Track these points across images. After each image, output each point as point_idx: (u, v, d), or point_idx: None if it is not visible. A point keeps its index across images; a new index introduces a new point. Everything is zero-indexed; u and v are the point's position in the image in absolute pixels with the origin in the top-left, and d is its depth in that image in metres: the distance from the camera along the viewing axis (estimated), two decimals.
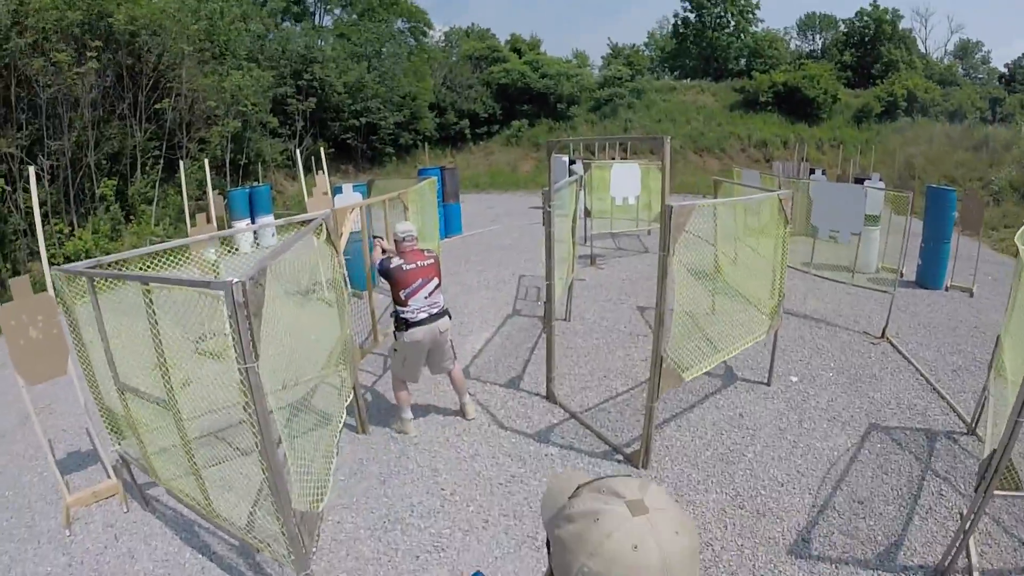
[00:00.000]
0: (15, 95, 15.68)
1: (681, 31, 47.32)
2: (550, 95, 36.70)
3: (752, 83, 39.68)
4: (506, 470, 5.59)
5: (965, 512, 4.36)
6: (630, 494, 1.06)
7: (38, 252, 15.41)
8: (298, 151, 19.96)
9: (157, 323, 3.71)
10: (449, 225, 16.87)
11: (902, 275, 11.00)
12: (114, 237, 17.19)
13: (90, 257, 15.43)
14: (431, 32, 41.61)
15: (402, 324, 5.74)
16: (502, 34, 45.83)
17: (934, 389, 7.05)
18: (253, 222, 15.78)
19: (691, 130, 36.15)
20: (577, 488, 1.14)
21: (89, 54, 16.47)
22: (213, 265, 5.34)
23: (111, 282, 4.23)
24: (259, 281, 3.23)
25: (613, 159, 23.42)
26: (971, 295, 10.97)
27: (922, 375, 7.44)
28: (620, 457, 5.68)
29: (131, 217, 18.63)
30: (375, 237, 6.73)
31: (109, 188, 17.58)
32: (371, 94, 30.66)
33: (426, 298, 5.77)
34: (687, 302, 5.41)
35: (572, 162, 20.07)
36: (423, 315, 5.75)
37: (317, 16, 38.04)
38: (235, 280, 3.09)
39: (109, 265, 4.71)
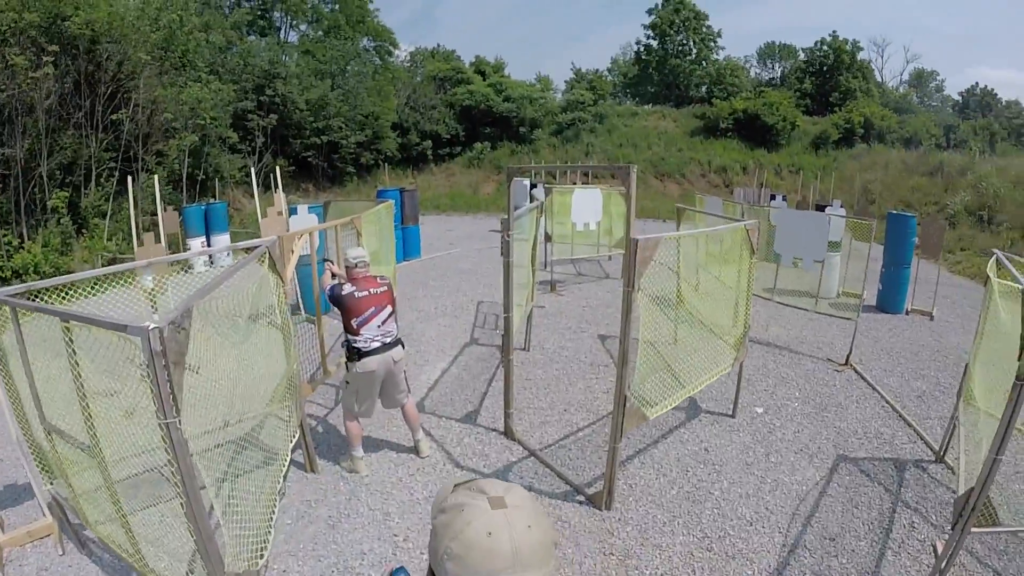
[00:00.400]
0: None
1: (644, 57, 47.88)
2: (513, 118, 36.67)
3: (713, 110, 40.22)
4: None
5: (939, 546, 4.26)
6: (493, 492, 1.21)
7: None
8: (254, 169, 19.54)
9: (78, 363, 3.34)
10: (408, 248, 16.56)
11: (863, 300, 11.12)
12: (64, 251, 16.62)
13: (38, 271, 15.21)
14: (396, 52, 41.46)
15: (354, 354, 5.45)
16: (467, 56, 45.79)
17: (900, 416, 7.03)
18: (208, 240, 15.30)
19: (652, 155, 36.42)
20: (455, 487, 1.27)
21: (45, 58, 15.90)
22: (151, 294, 4.94)
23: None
24: (181, 325, 2.88)
25: (575, 184, 23.35)
26: (931, 318, 11.17)
27: (887, 402, 7.42)
28: (581, 498, 5.40)
29: (83, 231, 18.06)
30: (325, 260, 6.32)
31: (61, 200, 17.01)
32: (334, 112, 30.32)
33: (379, 327, 5.51)
34: (651, 334, 5.17)
35: (533, 186, 19.93)
36: (376, 344, 5.47)
37: (283, 31, 37.63)
38: (152, 326, 2.74)
39: (36, 293, 4.30)
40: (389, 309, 5.60)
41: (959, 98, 50.45)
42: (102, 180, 18.58)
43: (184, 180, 21.76)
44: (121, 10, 18.23)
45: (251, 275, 4.51)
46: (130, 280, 4.77)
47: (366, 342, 5.44)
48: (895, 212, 12.90)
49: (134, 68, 18.97)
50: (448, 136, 35.91)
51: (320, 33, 36.88)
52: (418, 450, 6.09)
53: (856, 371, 8.49)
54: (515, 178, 20.34)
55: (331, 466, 5.98)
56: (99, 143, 18.70)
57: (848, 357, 8.74)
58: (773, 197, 18.62)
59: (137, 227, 13.37)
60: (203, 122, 21.80)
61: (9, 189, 16.42)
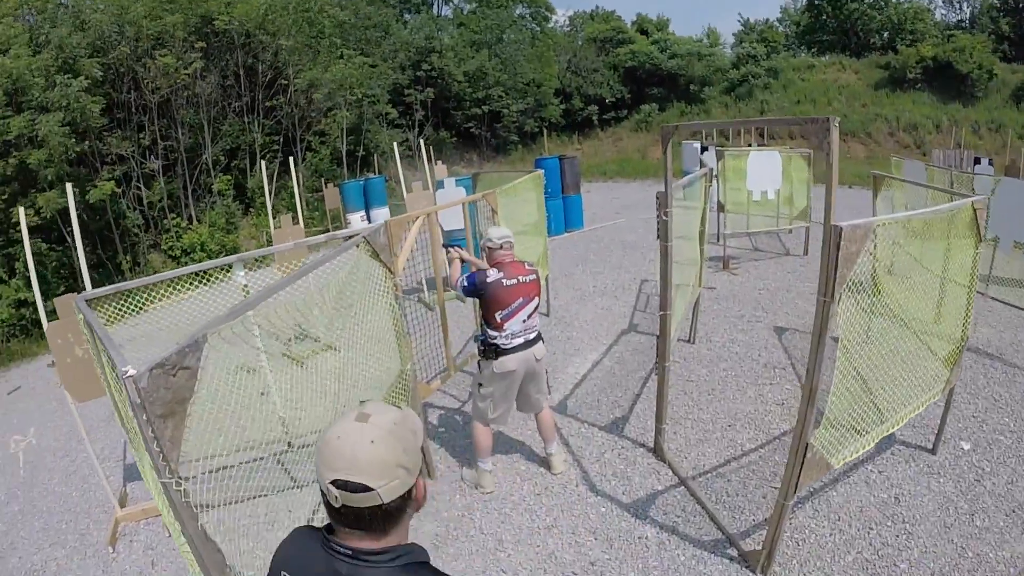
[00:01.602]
0: (133, 99, 16.33)
1: (816, 3, 43.96)
2: (680, 77, 34.92)
3: (898, 58, 36.01)
4: (586, 554, 4.48)
5: None
6: (368, 409, 1.46)
7: (157, 244, 16.09)
8: (421, 140, 19.56)
9: None
10: (569, 219, 15.86)
11: None
12: (230, 230, 17.51)
13: (205, 249, 16.11)
14: (553, 17, 40.39)
15: (491, 351, 4.77)
16: (628, 15, 44.05)
17: None
18: (368, 214, 15.37)
19: (833, 111, 33.26)
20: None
21: (193, 55, 16.89)
22: (244, 289, 4.49)
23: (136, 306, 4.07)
24: (178, 366, 2.27)
25: (749, 145, 21.66)
26: None
27: None
28: (734, 552, 4.41)
29: (250, 210, 19.08)
30: (447, 246, 5.25)
31: (224, 183, 18.12)
32: (493, 82, 30.08)
33: (524, 321, 4.80)
34: (854, 361, 3.93)
35: (704, 149, 18.60)
36: (519, 341, 4.79)
37: (436, 6, 37.54)
38: (128, 371, 2.17)
39: (128, 294, 4.08)
40: (536, 301, 4.92)
41: None
42: (266, 162, 19.36)
43: (344, 157, 22.17)
44: (261, 3, 18.95)
45: (349, 266, 4.06)
46: (222, 276, 4.38)
47: (508, 338, 4.76)
48: None
49: (288, 56, 19.81)
50: (613, 99, 34.72)
51: (474, 4, 36.41)
52: (550, 465, 5.38)
53: None
54: (684, 141, 18.91)
55: (450, 474, 5.45)
56: (261, 128, 19.76)
57: None
58: (977, 161, 16.17)
59: (301, 203, 13.64)
60: (355, 99, 21.98)
61: (177, 176, 17.49)
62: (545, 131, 31.08)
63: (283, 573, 1.52)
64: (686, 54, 35.19)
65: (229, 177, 18.54)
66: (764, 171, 11.67)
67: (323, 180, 19.16)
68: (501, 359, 4.76)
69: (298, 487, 4.73)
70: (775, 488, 4.92)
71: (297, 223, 9.45)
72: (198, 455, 2.67)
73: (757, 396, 6.68)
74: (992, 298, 8.65)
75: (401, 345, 4.66)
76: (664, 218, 4.93)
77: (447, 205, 7.21)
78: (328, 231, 17.18)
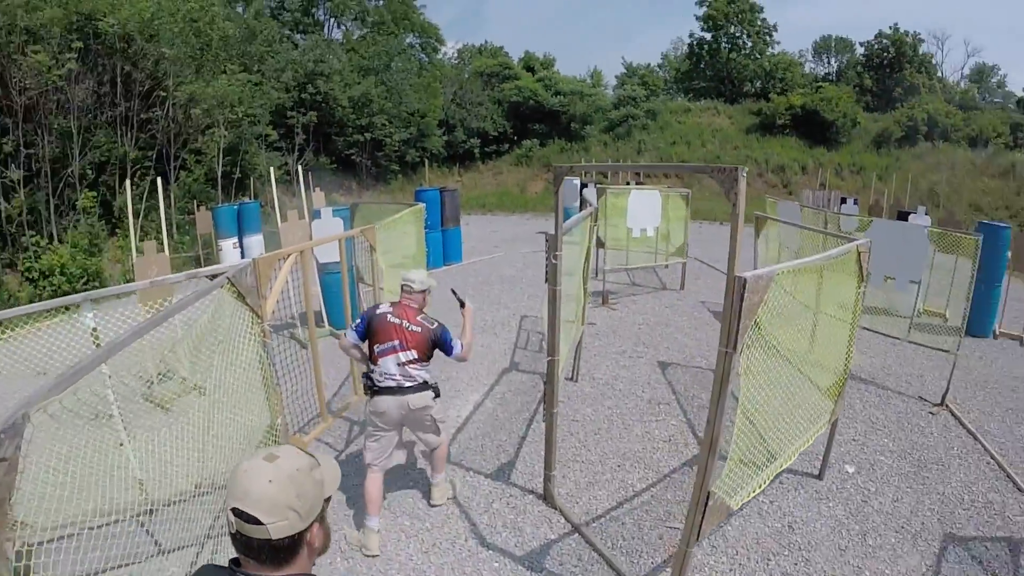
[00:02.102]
0: None
1: (696, 51, 46.19)
2: (563, 114, 35.70)
3: (769, 105, 38.69)
4: None
5: None
6: (280, 452, 1.59)
7: (13, 264, 14.63)
8: (300, 166, 18.89)
9: None
10: (448, 252, 15.59)
11: (946, 319, 10.25)
12: (93, 252, 16.24)
13: (65, 272, 14.82)
14: (443, 49, 40.60)
15: (367, 387, 4.68)
16: (515, 53, 44.71)
17: (1009, 477, 5.85)
18: (240, 241, 14.57)
19: (706, 153, 35.16)
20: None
21: (68, 55, 15.61)
22: (93, 333, 3.95)
23: None
24: None
25: (628, 184, 22.19)
26: (1021, 343, 10.01)
27: (992, 457, 6.24)
28: None
29: (116, 231, 17.78)
30: (461, 301, 5.33)
31: (90, 200, 16.74)
32: (377, 109, 29.71)
33: (398, 365, 4.61)
34: (754, 406, 3.88)
35: (584, 186, 18.84)
36: (391, 383, 4.60)
37: (327, 29, 36.95)
38: None
39: None
40: (413, 355, 4.65)
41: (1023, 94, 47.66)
42: (136, 179, 18.11)
43: (219, 179, 21.18)
44: (148, 7, 17.85)
45: (216, 311, 3.59)
46: (69, 316, 3.83)
47: (381, 376, 4.62)
48: (987, 222, 11.77)
49: (170, 66, 18.69)
50: (496, 133, 35.10)
51: (365, 30, 36.12)
52: (430, 496, 5.19)
53: (953, 413, 7.30)
54: (565, 177, 19.45)
55: (334, 530, 4.96)
56: (134, 142, 18.47)
57: (944, 397, 7.53)
58: (843, 200, 17.13)
59: (169, 228, 12.79)
60: (235, 117, 21.13)
61: (39, 189, 16.14)
62: (427, 162, 30.91)
63: None
64: (569, 92, 36.03)
65: (95, 193, 17.16)
66: (644, 209, 11.92)
67: (195, 202, 18.15)
68: (374, 397, 4.64)
69: (164, 554, 4.15)
70: (671, 528, 4.89)
71: (162, 251, 8.66)
72: (42, 526, 2.26)
73: (644, 433, 6.62)
74: (863, 327, 9.02)
75: (270, 397, 4.19)
76: (554, 261, 4.71)
77: (324, 240, 6.75)
78: (199, 257, 16.31)
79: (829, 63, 52.19)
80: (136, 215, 17.52)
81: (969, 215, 25.01)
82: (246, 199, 19.72)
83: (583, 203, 18.46)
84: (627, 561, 4.62)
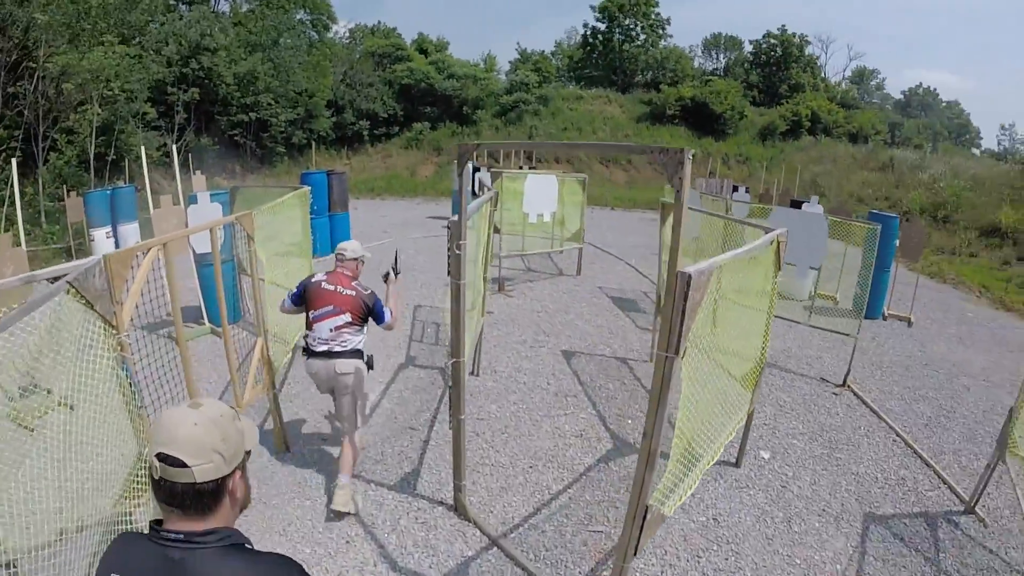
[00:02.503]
0: None
1: (591, 40, 46.49)
2: (454, 98, 35.11)
3: (659, 96, 39.58)
4: None
5: None
6: (203, 401, 1.60)
7: None
8: (175, 147, 17.55)
9: None
10: (336, 238, 14.73)
11: (837, 302, 11.08)
12: None
13: None
14: (334, 27, 39.06)
15: (304, 350, 5.01)
16: (409, 34, 43.76)
17: (916, 454, 6.05)
18: (115, 230, 13.39)
19: (597, 140, 35.46)
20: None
21: None
22: None
23: None
24: None
25: (520, 168, 21.89)
26: (909, 324, 10.63)
27: (898, 435, 6.47)
28: None
29: None
30: (388, 273, 5.50)
31: None
32: (263, 87, 28.26)
33: (331, 331, 4.87)
34: (691, 415, 3.55)
35: (476, 169, 18.40)
36: (323, 348, 4.87)
37: (213, 0, 34.86)
38: None
39: None
40: (347, 318, 4.88)
41: (901, 96, 50.95)
42: None
43: (91, 160, 19.47)
44: None
45: (52, 326, 2.84)
46: None
47: (314, 341, 4.91)
48: (877, 212, 12.42)
49: (41, 33, 16.96)
50: (386, 115, 34.11)
51: (254, 4, 34.16)
52: (332, 497, 4.81)
53: (855, 393, 7.52)
54: (456, 162, 18.85)
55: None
56: None
57: (845, 378, 7.74)
58: (735, 189, 17.34)
59: (36, 215, 11.49)
60: (111, 93, 19.51)
61: None
62: (314, 144, 29.74)
63: (113, 575, 1.52)
64: (462, 76, 35.49)
65: None
66: (541, 194, 11.59)
67: (66, 187, 16.56)
68: (308, 359, 4.95)
69: None
70: (594, 532, 4.59)
71: (19, 244, 7.51)
72: None
73: (554, 430, 6.26)
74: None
75: (134, 422, 3.36)
76: (457, 252, 4.19)
77: (195, 230, 5.86)
78: (70, 249, 14.93)
79: (718, 59, 53.80)
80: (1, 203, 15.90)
81: (851, 205, 26.20)
82: (121, 183, 18.19)
83: (478, 187, 18.02)
84: (552, 573, 4.22)
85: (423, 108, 35.01)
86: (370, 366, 5.10)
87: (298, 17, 34.73)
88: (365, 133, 33.61)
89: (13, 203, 16.06)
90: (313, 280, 5.03)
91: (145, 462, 3.48)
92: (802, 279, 9.18)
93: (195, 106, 26.52)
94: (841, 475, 5.56)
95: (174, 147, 12.20)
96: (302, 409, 6.51)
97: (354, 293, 4.93)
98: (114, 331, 3.15)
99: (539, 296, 11.13)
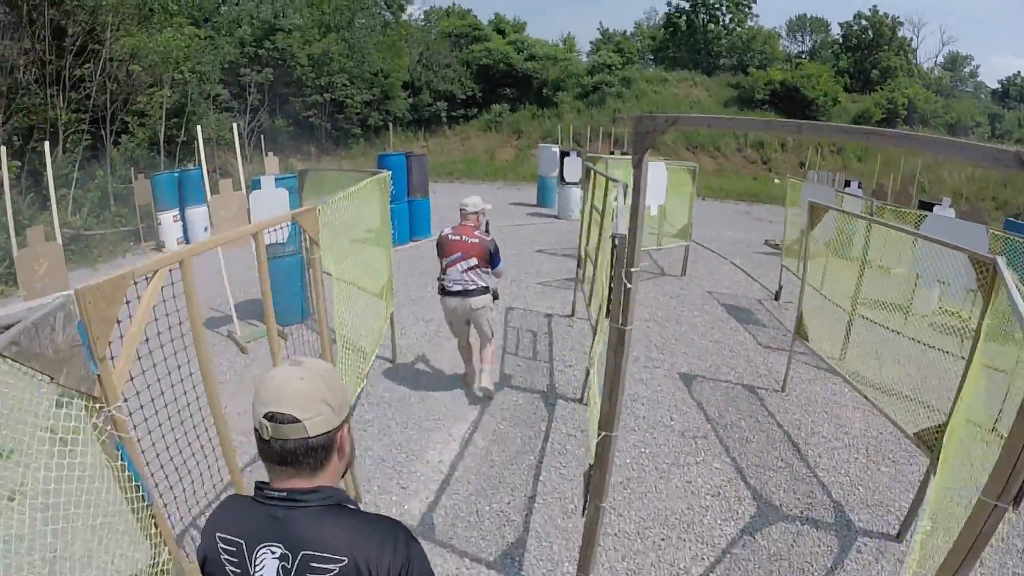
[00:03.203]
0: None
1: (674, 20, 44.48)
2: (534, 79, 33.94)
3: (748, 79, 37.63)
4: None
5: None
6: (302, 359, 1.56)
7: None
8: (235, 126, 16.75)
9: None
10: (415, 226, 13.70)
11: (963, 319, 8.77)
12: (18, 229, 14.03)
13: None
14: (409, 8, 38.19)
15: (440, 289, 5.96)
16: (484, 16, 42.63)
17: None
18: (182, 214, 12.75)
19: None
20: None
21: None
22: None
23: None
24: None
25: (611, 154, 20.50)
26: None
27: None
28: None
29: (48, 204, 15.53)
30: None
31: (13, 170, 14.40)
32: (338, 68, 27.54)
33: (461, 272, 5.81)
34: None
35: (565, 154, 17.09)
36: (457, 288, 5.82)
37: None
38: None
39: None
40: (474, 261, 5.80)
41: (999, 85, 47.18)
42: (68, 145, 15.87)
43: (161, 143, 18.93)
44: None
45: None
46: None
47: (449, 283, 5.85)
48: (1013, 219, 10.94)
49: (108, 16, 16.46)
50: (464, 97, 33.15)
51: None
52: (479, 380, 6.09)
53: None
54: (541, 144, 17.37)
55: None
56: (67, 103, 16.34)
57: None
58: (847, 184, 15.43)
59: (104, 199, 10.85)
60: (181, 75, 18.87)
61: None
62: (391, 125, 28.87)
63: (217, 535, 1.52)
64: (542, 57, 34.27)
65: (18, 164, 14.87)
66: (651, 184, 10.10)
67: (132, 171, 15.99)
68: (444, 298, 5.95)
69: None
70: None
71: (54, 239, 6.34)
72: None
73: (685, 484, 4.96)
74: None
75: (142, 520, 2.27)
76: (628, 285, 2.73)
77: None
78: (138, 231, 14.32)
79: (803, 42, 50.88)
80: (69, 186, 15.40)
81: (959, 205, 24.31)
82: (191, 166, 17.58)
83: (570, 173, 16.72)
84: None
85: (502, 90, 33.90)
86: (495, 296, 6.06)
87: None
88: (443, 115, 32.70)
89: (83, 186, 15.67)
90: (443, 234, 5.94)
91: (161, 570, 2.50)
92: (952, 299, 7.52)
93: (269, 87, 25.97)
94: None
95: (235, 126, 11.25)
96: (376, 443, 5.40)
97: (478, 241, 5.82)
98: (98, 405, 2.02)
99: (645, 301, 9.70)
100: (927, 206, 11.99)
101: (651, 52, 46.30)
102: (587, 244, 7.73)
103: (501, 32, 36.80)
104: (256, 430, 1.48)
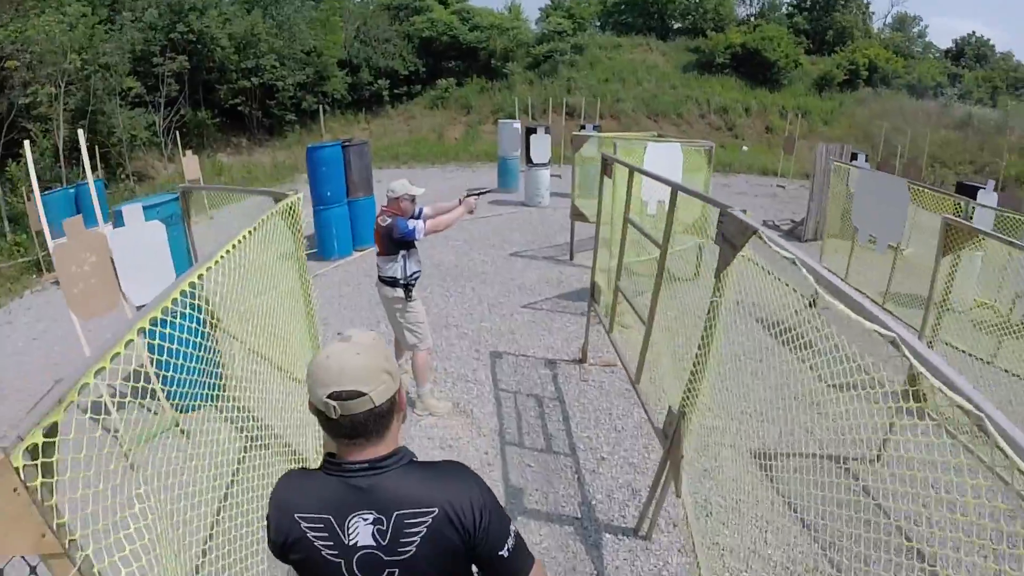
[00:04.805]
0: None
1: None
2: (481, 50, 31.62)
3: (707, 43, 36.00)
4: None
5: None
6: (349, 333, 1.59)
7: None
8: (161, 122, 14.33)
9: None
10: (359, 232, 11.08)
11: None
12: None
13: None
14: None
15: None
16: None
17: None
18: None
19: (643, 92, 31.97)
20: None
21: None
22: None
23: None
24: None
25: (582, 128, 18.24)
26: None
27: None
28: None
29: None
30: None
31: None
32: (266, 48, 24.70)
33: (377, 256, 5.27)
34: None
35: (531, 131, 14.84)
36: (378, 274, 5.30)
37: None
38: None
39: None
40: (377, 248, 5.23)
41: (952, 46, 46.14)
42: None
43: (61, 152, 16.23)
44: None
45: None
46: None
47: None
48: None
49: None
50: (406, 73, 30.69)
51: None
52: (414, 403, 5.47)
53: None
54: (501, 120, 14.99)
55: None
56: None
57: None
58: (855, 156, 13.34)
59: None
60: (75, 67, 16.11)
61: None
62: (327, 108, 26.34)
63: (297, 515, 1.55)
64: (488, 27, 32.00)
65: None
66: (662, 171, 7.65)
67: (24, 189, 13.30)
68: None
69: None
70: None
71: None
72: None
73: None
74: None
75: None
76: None
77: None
78: (39, 262, 11.80)
79: (751, 4, 49.01)
80: None
81: (932, 171, 23.26)
82: (95, 177, 15.04)
83: (536, 154, 14.46)
84: None
85: (447, 63, 31.55)
86: (406, 294, 5.19)
87: None
88: (385, 93, 30.13)
89: None
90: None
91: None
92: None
93: (189, 76, 23.15)
94: None
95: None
96: None
97: (380, 227, 5.09)
98: None
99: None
100: (967, 190, 10.24)
101: (600, 18, 44.05)
102: (615, 267, 5.58)
103: (443, 3, 34.22)
104: (319, 411, 1.52)
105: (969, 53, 44.57)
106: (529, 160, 14.81)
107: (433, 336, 6.35)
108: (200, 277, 2.47)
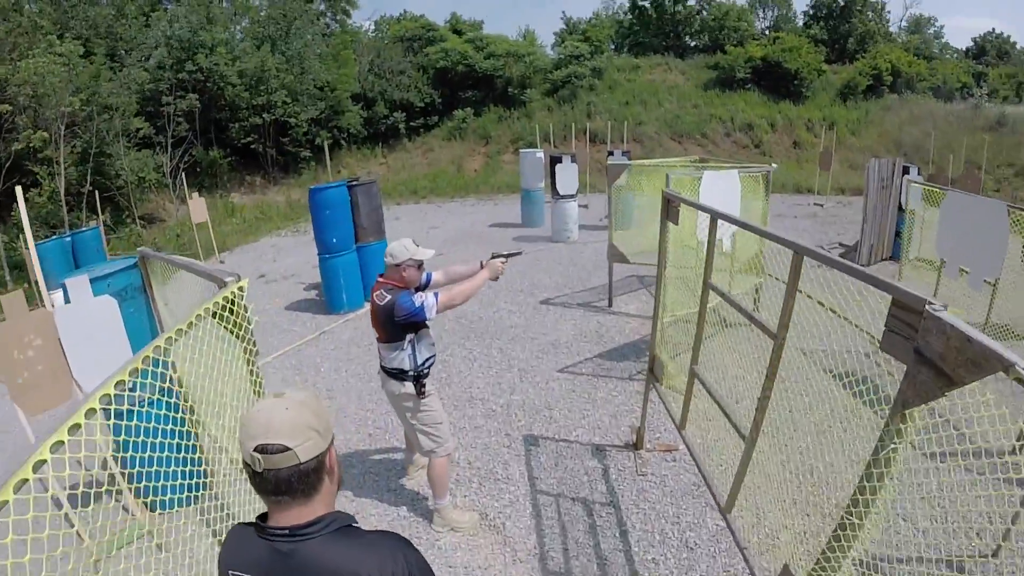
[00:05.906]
0: None
1: (639, 4, 41.41)
2: (498, 78, 30.79)
3: (726, 58, 34.79)
4: None
5: None
6: (284, 391, 1.54)
7: None
8: (169, 163, 13.58)
9: None
10: (369, 282, 9.99)
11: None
12: None
13: None
14: (356, 18, 34.94)
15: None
16: (439, 18, 39.41)
17: None
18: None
19: (664, 113, 30.88)
20: None
21: None
22: None
23: None
24: None
25: (610, 154, 17.27)
26: None
27: None
28: None
29: None
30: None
31: None
32: (277, 85, 24.05)
33: (379, 345, 4.19)
34: None
35: (556, 160, 13.81)
36: (381, 364, 4.23)
37: None
38: None
39: None
40: (376, 334, 4.16)
41: (972, 44, 45.14)
42: None
43: (63, 196, 15.59)
44: None
45: None
46: None
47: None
48: None
49: None
50: (422, 104, 29.97)
51: None
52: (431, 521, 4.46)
53: None
54: (523, 150, 13.96)
55: None
56: None
57: None
58: (906, 170, 12.17)
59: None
60: (69, 108, 15.40)
61: None
62: (325, 146, 25.85)
63: (231, 572, 1.54)
64: (504, 54, 31.24)
65: None
66: (718, 203, 6.56)
67: (21, 237, 12.66)
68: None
69: None
70: None
71: None
72: None
73: None
74: None
75: None
76: None
77: None
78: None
79: (765, 17, 48.06)
80: None
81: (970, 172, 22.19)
82: (92, 223, 14.35)
83: (563, 185, 13.43)
84: None
85: (463, 93, 30.75)
86: (417, 389, 4.10)
87: (316, 6, 30.63)
88: (401, 126, 29.44)
89: None
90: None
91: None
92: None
93: (199, 114, 22.54)
94: None
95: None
96: None
97: (376, 306, 4.00)
98: None
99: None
100: None
101: (615, 40, 43.29)
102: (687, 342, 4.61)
103: (457, 32, 33.61)
104: (247, 464, 1.49)
105: (991, 51, 43.60)
106: (555, 191, 13.77)
107: (455, 415, 5.32)
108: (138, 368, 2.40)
